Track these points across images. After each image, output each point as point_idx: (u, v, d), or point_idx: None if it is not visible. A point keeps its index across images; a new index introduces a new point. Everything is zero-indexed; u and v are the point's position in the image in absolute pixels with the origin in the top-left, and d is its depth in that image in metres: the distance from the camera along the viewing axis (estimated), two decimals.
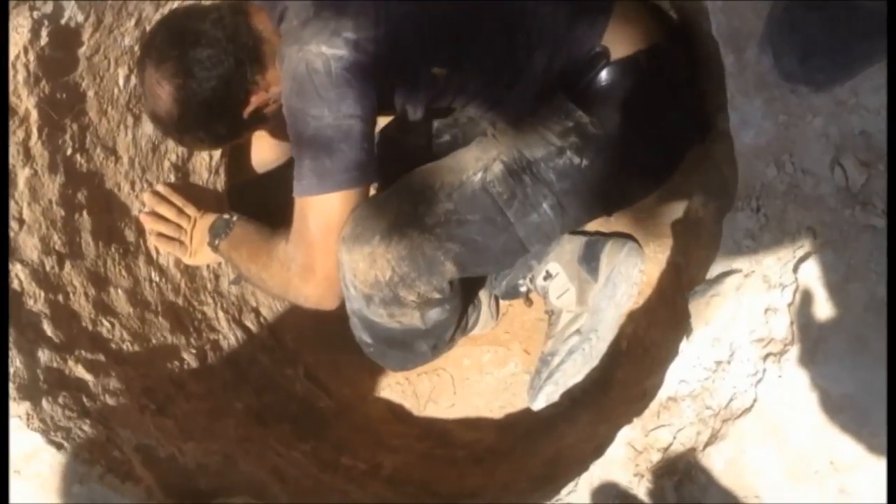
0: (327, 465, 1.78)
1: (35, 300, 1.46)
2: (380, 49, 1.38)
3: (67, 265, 1.55)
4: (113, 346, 1.58)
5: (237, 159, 1.94)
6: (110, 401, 1.46)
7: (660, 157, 1.60)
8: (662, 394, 1.23)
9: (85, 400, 1.42)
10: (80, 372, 1.45)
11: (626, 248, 1.75)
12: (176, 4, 1.75)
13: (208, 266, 1.94)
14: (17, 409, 1.30)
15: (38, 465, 1.30)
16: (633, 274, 1.75)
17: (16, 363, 1.34)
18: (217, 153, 2.00)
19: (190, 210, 1.70)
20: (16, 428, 1.29)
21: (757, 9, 1.17)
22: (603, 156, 1.51)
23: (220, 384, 1.80)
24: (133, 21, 1.68)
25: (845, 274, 1.11)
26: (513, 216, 1.50)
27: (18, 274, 1.44)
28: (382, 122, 1.72)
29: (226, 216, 1.65)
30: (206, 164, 1.99)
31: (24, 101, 1.49)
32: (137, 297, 1.71)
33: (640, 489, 1.19)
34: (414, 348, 1.68)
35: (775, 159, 1.18)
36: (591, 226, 1.82)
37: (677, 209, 1.81)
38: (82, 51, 1.61)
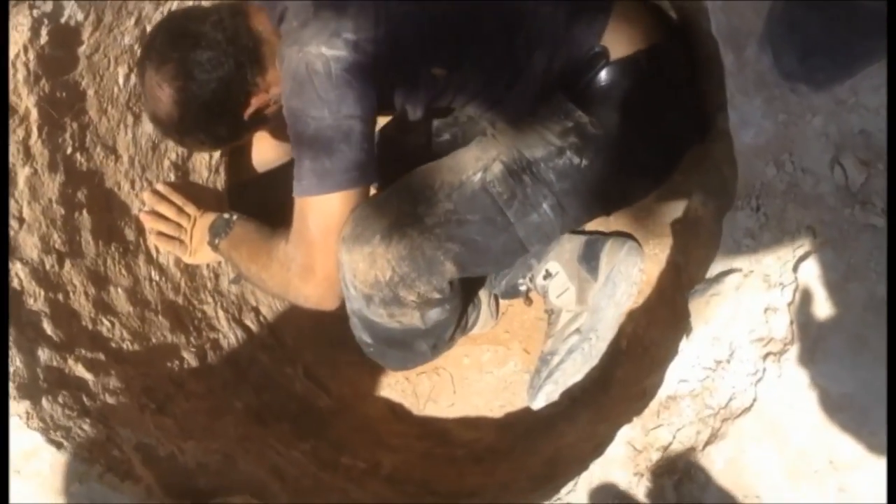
0: (327, 464, 1.78)
1: (35, 299, 1.46)
2: (380, 49, 1.38)
3: (67, 264, 1.55)
4: (113, 345, 1.58)
5: (237, 158, 1.94)
6: (110, 400, 1.46)
7: (659, 156, 1.60)
8: (662, 393, 1.23)
9: (85, 399, 1.42)
10: (80, 371, 1.45)
11: (626, 248, 1.75)
12: (175, 4, 1.75)
13: (208, 265, 1.94)
14: (17, 408, 1.30)
15: (37, 463, 1.30)
16: (632, 273, 1.75)
17: (15, 362, 1.34)
18: (217, 152, 2.00)
19: (190, 209, 1.71)
20: (15, 427, 1.29)
21: (756, 8, 1.17)
22: (603, 156, 1.51)
23: (220, 383, 1.80)
24: (133, 20, 1.68)
25: (845, 273, 1.11)
26: (513, 216, 1.50)
27: (18, 273, 1.44)
28: (382, 121, 1.72)
29: (226, 215, 1.65)
30: (206, 163, 1.98)
31: (24, 99, 1.49)
32: (137, 295, 1.71)
33: (640, 488, 1.19)
34: (414, 348, 1.68)
35: (775, 158, 1.18)
36: (591, 225, 1.83)
37: (677, 208, 1.81)
38: (82, 49, 1.61)
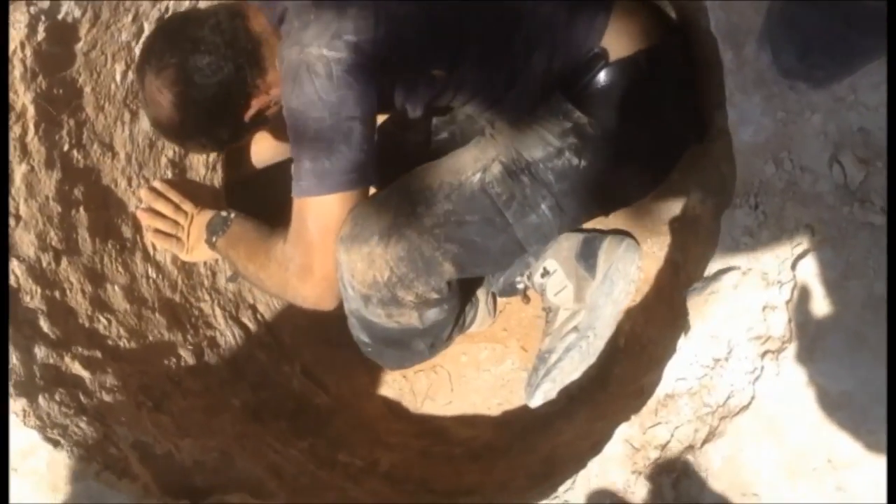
0: (324, 462, 1.78)
1: (32, 296, 1.45)
2: (380, 50, 1.38)
3: (64, 261, 1.55)
4: (110, 342, 1.58)
5: (235, 156, 1.94)
6: (107, 397, 1.45)
7: (658, 157, 1.60)
8: (660, 391, 1.23)
9: (81, 397, 1.41)
10: (77, 368, 1.45)
11: (624, 245, 1.75)
12: (172, 3, 1.75)
13: (205, 263, 1.93)
14: (14, 406, 1.30)
15: (34, 461, 1.29)
16: (630, 271, 1.75)
17: (12, 360, 1.34)
18: None
19: (187, 207, 1.70)
20: (12, 425, 1.29)
21: (756, 5, 1.17)
22: (601, 156, 1.51)
23: (217, 381, 1.80)
24: (130, 17, 1.68)
25: (843, 271, 1.11)
26: (511, 217, 1.50)
27: (15, 270, 1.44)
28: (380, 119, 1.71)
29: (223, 213, 1.65)
30: (204, 161, 1.98)
31: (20, 96, 1.49)
32: (134, 293, 1.70)
33: (638, 487, 1.19)
34: (412, 347, 1.68)
35: (774, 156, 1.18)
36: (589, 223, 1.82)
37: (675, 206, 1.81)
38: (79, 46, 1.60)
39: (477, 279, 1.90)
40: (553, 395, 1.76)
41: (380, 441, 1.94)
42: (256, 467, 1.58)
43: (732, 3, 1.21)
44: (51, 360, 1.41)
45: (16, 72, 1.48)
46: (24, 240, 1.48)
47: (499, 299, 2.06)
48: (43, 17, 1.50)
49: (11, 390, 1.31)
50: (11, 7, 1.45)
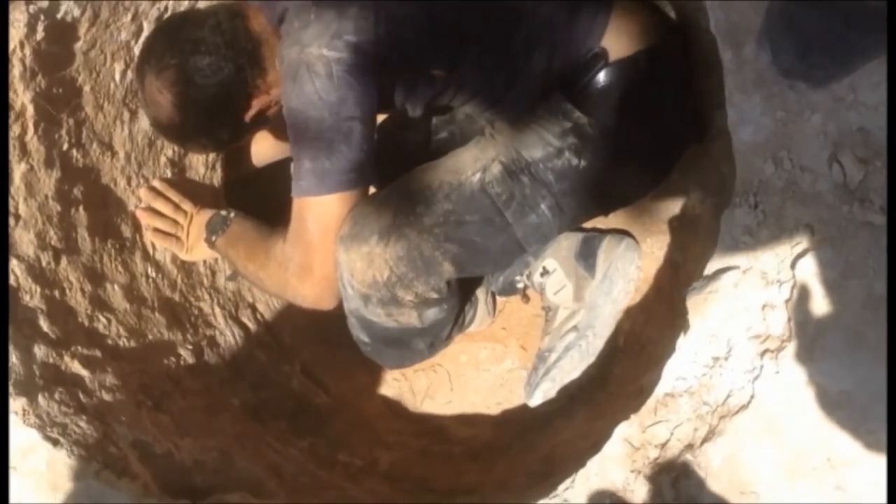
0: (324, 461, 1.78)
1: (31, 296, 1.45)
2: (380, 50, 1.38)
3: (64, 261, 1.55)
4: (109, 341, 1.58)
5: (234, 155, 1.94)
6: (107, 397, 1.45)
7: (658, 157, 1.60)
8: (659, 390, 1.23)
9: (81, 396, 1.41)
10: (77, 368, 1.45)
11: (623, 245, 1.75)
12: (171, 2, 1.75)
13: (205, 262, 1.93)
14: (14, 405, 1.30)
15: (34, 460, 1.29)
16: (629, 270, 1.75)
17: (12, 359, 1.34)
18: None
19: (186, 206, 1.70)
20: (12, 424, 1.29)
21: (755, 5, 1.17)
22: (601, 156, 1.51)
23: (217, 380, 1.80)
24: (129, 16, 1.68)
25: (843, 270, 1.11)
26: (511, 217, 1.50)
27: (15, 269, 1.44)
28: (380, 119, 1.71)
29: (223, 212, 1.65)
30: (203, 160, 1.98)
31: (20, 95, 1.49)
32: (134, 292, 1.70)
33: (637, 486, 1.19)
34: (411, 346, 1.68)
35: (773, 156, 1.18)
36: (589, 222, 1.82)
37: (675, 206, 1.81)
38: (79, 45, 1.60)
39: (476, 278, 1.90)
40: (552, 394, 1.76)
41: (379, 440, 1.94)
42: (256, 467, 1.58)
43: (732, 3, 1.21)
44: (50, 360, 1.41)
45: (15, 71, 1.48)
46: (23, 239, 1.48)
47: (498, 298, 2.06)
48: (42, 17, 1.50)
49: (11, 389, 1.31)
50: (11, 6, 1.45)
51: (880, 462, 1.06)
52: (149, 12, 1.71)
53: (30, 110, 1.51)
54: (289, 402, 1.93)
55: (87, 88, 1.64)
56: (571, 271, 1.78)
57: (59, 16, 1.54)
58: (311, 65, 1.34)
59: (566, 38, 1.51)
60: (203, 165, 1.99)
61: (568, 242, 1.80)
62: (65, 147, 1.60)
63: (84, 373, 1.45)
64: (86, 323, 1.55)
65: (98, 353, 1.52)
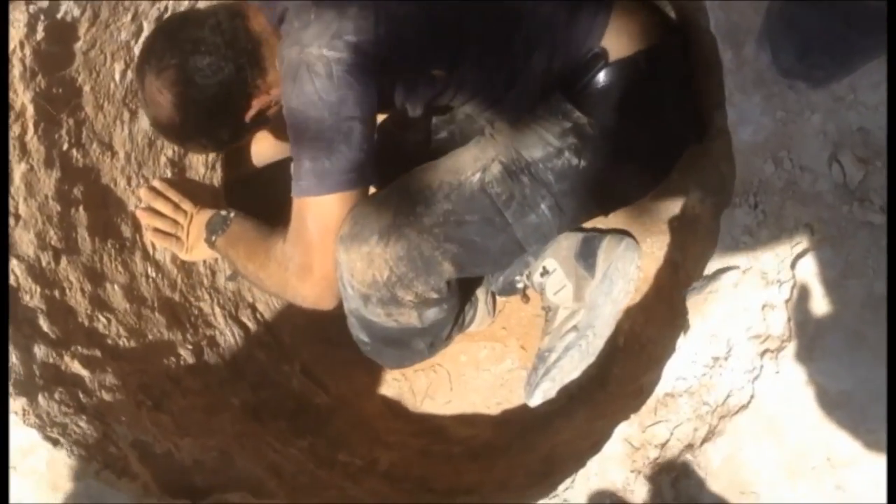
0: (324, 461, 1.78)
1: (31, 296, 1.45)
2: (380, 50, 1.38)
3: (63, 261, 1.55)
4: (109, 341, 1.58)
5: (234, 155, 1.94)
6: (106, 397, 1.45)
7: (657, 157, 1.60)
8: (659, 390, 1.23)
9: (81, 396, 1.41)
10: (77, 368, 1.45)
11: (623, 245, 1.75)
12: (171, 2, 1.75)
13: (205, 262, 1.93)
14: (14, 405, 1.30)
15: (34, 460, 1.29)
16: (629, 270, 1.75)
17: (12, 359, 1.34)
18: None
19: (186, 206, 1.70)
20: (12, 424, 1.29)
21: (755, 5, 1.17)
22: (601, 156, 1.51)
23: (217, 380, 1.80)
24: (129, 16, 1.68)
25: (843, 270, 1.11)
26: (511, 217, 1.50)
27: (14, 269, 1.44)
28: (380, 118, 1.71)
29: (223, 212, 1.65)
30: (203, 160, 1.98)
31: (20, 95, 1.49)
32: (134, 292, 1.70)
33: (637, 486, 1.19)
34: (411, 346, 1.68)
35: (773, 156, 1.18)
36: (589, 222, 1.82)
37: (675, 206, 1.81)
38: (78, 45, 1.60)
39: (476, 278, 1.90)
40: (552, 394, 1.76)
41: (379, 440, 1.94)
42: (256, 466, 1.58)
43: (732, 3, 1.21)
44: (50, 359, 1.41)
45: (15, 71, 1.48)
46: (23, 239, 1.48)
47: (498, 298, 2.06)
48: (42, 17, 1.50)
49: (11, 389, 1.31)
50: (11, 6, 1.45)
51: (880, 462, 1.06)
52: (148, 12, 1.71)
53: (30, 110, 1.51)
54: (289, 402, 1.93)
55: (87, 88, 1.64)
56: (571, 271, 1.78)
57: (58, 16, 1.54)
58: (311, 65, 1.34)
59: (566, 39, 1.51)
60: (203, 165, 1.99)
61: (568, 242, 1.80)
62: (65, 147, 1.60)
63: (84, 373, 1.45)
64: (86, 323, 1.55)
65: (98, 353, 1.52)
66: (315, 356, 2.09)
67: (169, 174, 1.88)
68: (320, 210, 1.42)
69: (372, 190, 1.50)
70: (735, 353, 1.17)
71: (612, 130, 1.50)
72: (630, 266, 1.75)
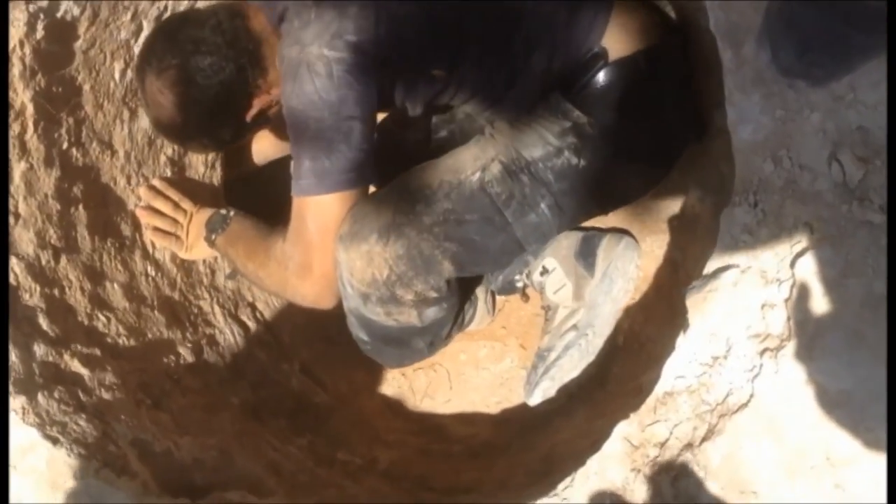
0: (323, 459, 1.78)
1: (31, 294, 1.45)
2: (380, 50, 1.38)
3: (63, 259, 1.55)
4: (109, 340, 1.58)
5: (234, 154, 1.94)
6: (106, 395, 1.46)
7: (657, 156, 1.60)
8: (659, 389, 1.23)
9: (81, 394, 1.41)
10: (76, 366, 1.45)
11: (623, 244, 1.75)
12: (171, 1, 1.75)
13: (204, 261, 1.93)
14: (13, 404, 1.30)
15: (33, 459, 1.30)
16: (629, 269, 1.75)
17: (12, 357, 1.34)
18: None
19: (186, 204, 1.70)
20: (12, 422, 1.29)
21: (755, 4, 1.17)
22: (600, 156, 1.51)
23: (217, 379, 1.80)
24: (129, 15, 1.68)
25: (842, 269, 1.11)
26: (511, 216, 1.50)
27: (14, 268, 1.44)
28: (380, 117, 1.71)
29: (222, 211, 1.65)
30: (203, 159, 1.98)
31: (20, 94, 1.49)
32: (133, 291, 1.70)
33: (637, 484, 1.20)
34: (411, 345, 1.68)
35: (773, 154, 1.18)
36: (588, 222, 1.82)
37: (674, 205, 1.81)
38: (78, 44, 1.60)
39: (476, 278, 1.90)
40: (552, 393, 1.76)
41: (379, 439, 1.94)
42: (255, 465, 1.58)
43: (731, 3, 1.21)
44: (50, 358, 1.41)
45: (15, 70, 1.48)
46: (23, 238, 1.48)
47: (498, 297, 2.06)
48: (42, 16, 1.50)
49: (11, 388, 1.31)
50: (11, 5, 1.45)
51: (879, 461, 1.06)
52: (148, 11, 1.71)
53: (29, 109, 1.51)
54: (288, 401, 1.93)
55: (86, 87, 1.64)
56: (571, 270, 1.78)
57: (58, 15, 1.54)
58: (312, 64, 1.34)
59: (566, 38, 1.51)
60: (203, 164, 1.99)
61: (567, 241, 1.80)
62: (64, 146, 1.60)
63: (83, 371, 1.45)
64: (85, 321, 1.55)
65: (97, 352, 1.52)
66: (315, 355, 2.09)
67: (169, 173, 1.88)
68: (320, 209, 1.42)
69: (372, 189, 1.50)
70: (734, 351, 1.17)
71: (611, 130, 1.50)
72: (630, 265, 1.75)
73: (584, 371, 1.75)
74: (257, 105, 1.52)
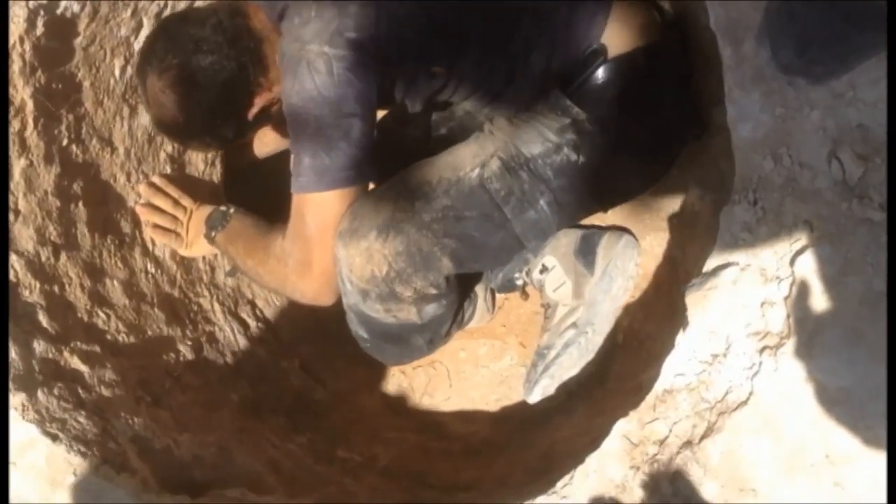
0: (323, 456, 1.78)
1: (31, 291, 1.45)
2: (380, 48, 1.38)
3: (63, 256, 1.55)
4: (108, 337, 1.58)
5: (234, 151, 1.94)
6: (106, 392, 1.46)
7: (656, 153, 1.60)
8: (658, 387, 1.23)
9: (80, 391, 1.42)
10: (76, 363, 1.45)
11: (623, 242, 1.75)
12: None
13: (204, 258, 1.94)
14: (13, 401, 1.30)
15: (33, 456, 1.30)
16: (629, 267, 1.75)
17: (11, 354, 1.34)
18: None
19: (186, 201, 1.70)
20: (11, 419, 1.29)
21: (755, 2, 1.17)
22: (599, 152, 1.51)
23: (216, 376, 1.80)
24: (129, 12, 1.68)
25: (842, 267, 1.11)
26: (510, 213, 1.50)
27: (14, 265, 1.44)
28: (380, 114, 1.71)
29: (222, 208, 1.65)
30: (203, 156, 1.98)
31: (19, 91, 1.49)
32: (133, 288, 1.70)
33: (636, 482, 1.20)
34: (410, 343, 1.68)
35: (772, 152, 1.18)
36: (588, 219, 1.82)
37: (674, 202, 1.81)
38: (78, 41, 1.60)
39: (475, 275, 1.90)
40: (551, 390, 1.76)
41: (378, 436, 1.94)
42: (255, 462, 1.58)
43: (732, 0, 1.21)
44: (50, 355, 1.41)
45: (15, 66, 1.47)
46: (23, 234, 1.48)
47: (497, 295, 2.06)
48: (42, 12, 1.50)
49: (11, 384, 1.31)
50: (10, 2, 1.45)
51: (879, 458, 1.06)
52: (148, 8, 1.71)
53: (29, 106, 1.50)
54: (288, 398, 1.93)
55: (86, 84, 1.64)
56: (570, 268, 1.78)
57: (58, 11, 1.54)
58: (312, 61, 1.34)
59: (566, 37, 1.51)
60: (202, 161, 1.99)
61: (567, 239, 1.80)
62: (64, 143, 1.60)
63: (83, 368, 1.45)
64: (85, 318, 1.55)
65: (97, 349, 1.52)
66: (314, 352, 2.09)
67: (168, 170, 1.88)
68: (319, 206, 1.42)
69: (371, 185, 1.50)
70: (734, 349, 1.17)
71: (610, 126, 1.50)
72: (629, 263, 1.75)
73: (584, 369, 1.75)
74: (259, 103, 1.52)
